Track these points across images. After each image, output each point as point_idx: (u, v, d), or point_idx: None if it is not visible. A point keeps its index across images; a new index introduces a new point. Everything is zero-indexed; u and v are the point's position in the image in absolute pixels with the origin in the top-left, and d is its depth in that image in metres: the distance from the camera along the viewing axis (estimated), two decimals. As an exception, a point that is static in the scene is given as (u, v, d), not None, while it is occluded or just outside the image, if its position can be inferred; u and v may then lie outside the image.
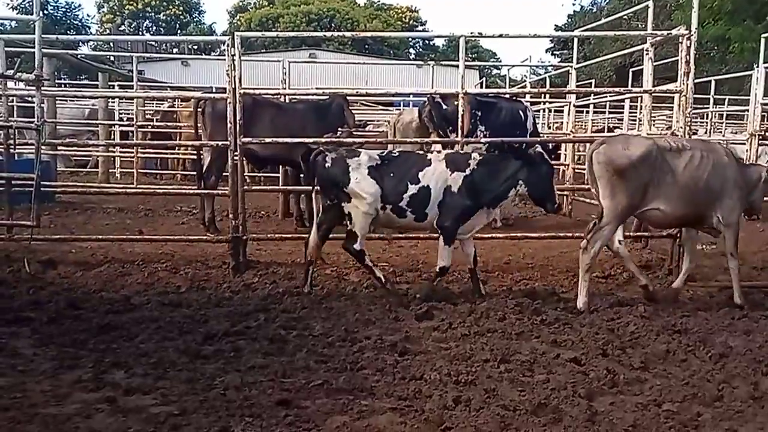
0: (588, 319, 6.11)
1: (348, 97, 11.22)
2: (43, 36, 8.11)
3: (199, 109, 10.08)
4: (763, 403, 4.40)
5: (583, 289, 6.48)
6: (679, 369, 4.99)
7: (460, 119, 8.31)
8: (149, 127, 17.26)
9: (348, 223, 6.72)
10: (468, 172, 6.65)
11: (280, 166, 11.81)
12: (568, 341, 5.50)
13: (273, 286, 7.16)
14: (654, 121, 16.08)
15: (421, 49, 64.61)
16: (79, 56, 18.50)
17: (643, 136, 7.47)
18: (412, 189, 6.58)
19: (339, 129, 10.83)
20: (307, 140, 7.96)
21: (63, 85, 23.25)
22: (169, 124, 16.84)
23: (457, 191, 6.61)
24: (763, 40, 11.29)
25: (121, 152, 17.42)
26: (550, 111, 19.32)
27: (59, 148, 15.12)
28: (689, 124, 7.92)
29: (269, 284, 7.24)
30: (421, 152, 7.33)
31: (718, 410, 4.31)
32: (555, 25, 51.35)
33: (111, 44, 33.42)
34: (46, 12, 47.90)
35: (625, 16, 18.72)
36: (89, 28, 58.25)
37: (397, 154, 6.98)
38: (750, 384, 4.69)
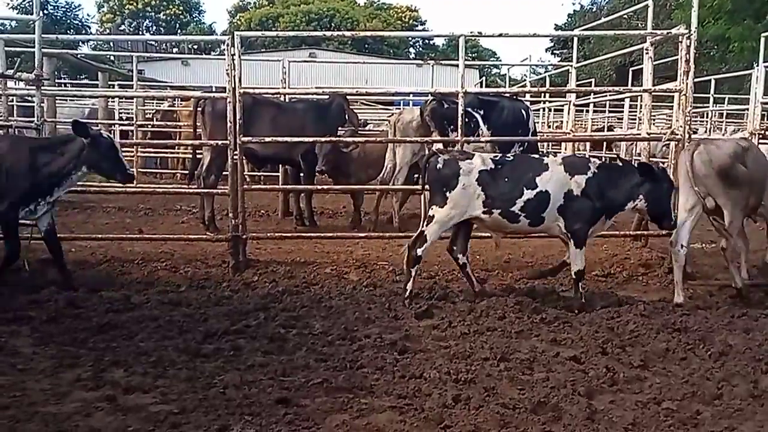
0: (588, 317, 6.12)
1: (348, 97, 11.21)
2: (43, 36, 8.12)
3: (199, 109, 10.08)
4: (762, 401, 4.41)
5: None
6: (679, 367, 5.00)
7: (460, 118, 8.31)
8: (149, 126, 17.27)
9: (425, 226, 6.58)
10: (590, 175, 6.46)
11: (280, 165, 11.82)
12: (567, 340, 5.50)
13: (273, 284, 7.16)
14: (654, 120, 16.09)
15: (420, 49, 64.60)
16: (79, 56, 18.51)
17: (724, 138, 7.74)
18: (528, 194, 6.39)
19: (341, 128, 10.86)
20: (306, 140, 7.97)
21: (63, 85, 23.23)
22: (168, 123, 16.84)
23: (580, 194, 6.42)
24: (762, 39, 11.27)
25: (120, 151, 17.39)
26: (549, 110, 19.31)
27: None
28: (689, 123, 7.92)
29: (269, 283, 7.24)
30: (537, 156, 7.20)
31: (717, 408, 4.31)
32: (555, 25, 51.33)
33: (111, 44, 33.44)
34: (46, 12, 47.87)
35: (625, 16, 18.70)
36: (89, 27, 58.25)
37: (512, 158, 6.81)
38: (749, 382, 4.69)
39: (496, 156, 6.85)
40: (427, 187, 6.75)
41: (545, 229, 6.65)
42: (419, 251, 6.53)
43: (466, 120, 8.71)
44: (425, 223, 6.58)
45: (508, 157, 6.83)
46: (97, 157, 6.76)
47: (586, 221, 6.48)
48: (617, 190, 6.49)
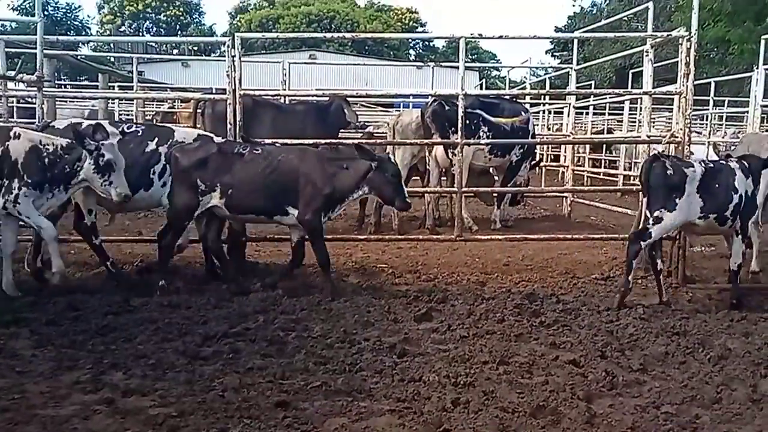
0: (587, 321, 6.11)
1: (348, 99, 11.21)
2: (44, 37, 8.12)
3: (199, 110, 10.08)
4: (761, 406, 4.40)
5: None
6: (678, 371, 4.99)
7: (460, 120, 8.31)
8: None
9: (650, 224, 6.69)
10: (751, 176, 6.81)
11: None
12: (566, 343, 5.50)
13: (271, 287, 7.14)
14: (654, 122, 16.10)
15: (421, 51, 64.67)
16: (79, 57, 18.48)
17: None
18: (735, 198, 6.67)
19: (343, 130, 10.85)
20: (306, 141, 7.96)
21: (63, 86, 23.24)
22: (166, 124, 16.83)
23: (750, 194, 6.78)
24: (763, 42, 11.30)
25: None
26: (549, 112, 19.34)
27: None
28: (689, 125, 7.92)
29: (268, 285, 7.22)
30: (725, 161, 7.25)
31: (716, 412, 4.31)
32: (555, 27, 51.39)
33: (111, 45, 33.42)
34: (46, 13, 47.90)
35: (625, 18, 18.74)
36: (89, 29, 58.31)
37: (712, 164, 6.98)
38: (749, 386, 4.69)
39: (702, 162, 7.07)
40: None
41: (727, 228, 6.85)
42: (642, 245, 6.69)
43: (467, 122, 8.73)
44: (651, 222, 6.68)
45: (709, 164, 7.00)
46: (381, 181, 6.82)
47: (750, 218, 6.85)
48: (758, 190, 6.90)
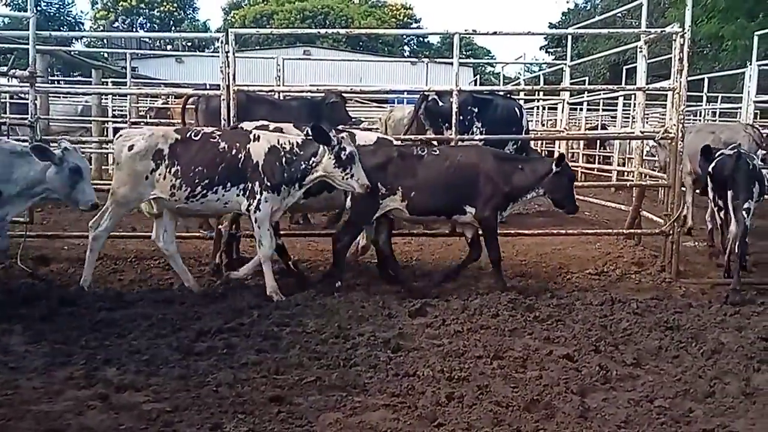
0: (581, 315, 6.13)
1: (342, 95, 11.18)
2: (36, 32, 8.08)
3: (193, 106, 10.04)
4: (754, 399, 4.43)
5: None
6: (672, 365, 5.02)
7: (454, 116, 8.31)
8: (143, 123, 17.21)
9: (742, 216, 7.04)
10: None
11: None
12: (560, 338, 5.51)
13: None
14: (647, 118, 16.12)
15: (415, 47, 64.61)
16: (72, 53, 18.42)
17: None
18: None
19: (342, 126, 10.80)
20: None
21: (56, 82, 23.14)
22: (162, 121, 16.78)
23: None
24: (756, 38, 11.33)
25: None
26: (543, 108, 19.34)
27: (52, 144, 15.03)
28: (682, 121, 7.94)
29: (262, 281, 7.21)
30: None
31: (709, 406, 4.33)
32: (549, 23, 51.41)
33: (104, 41, 33.34)
34: (39, 8, 47.68)
35: (619, 14, 18.78)
36: (83, 24, 58.09)
37: (753, 155, 7.44)
38: (742, 380, 4.72)
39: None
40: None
41: None
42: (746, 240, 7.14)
43: (461, 117, 8.72)
44: (742, 214, 7.00)
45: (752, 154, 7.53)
46: (558, 186, 6.93)
47: None
48: None
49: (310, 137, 6.55)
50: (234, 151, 6.53)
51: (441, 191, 6.88)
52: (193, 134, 6.64)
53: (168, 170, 6.48)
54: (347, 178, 6.44)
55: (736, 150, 7.35)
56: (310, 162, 6.52)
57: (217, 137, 6.64)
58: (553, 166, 6.89)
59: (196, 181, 6.48)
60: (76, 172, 6.09)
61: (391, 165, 6.85)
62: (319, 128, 6.47)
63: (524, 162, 7.15)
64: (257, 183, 6.48)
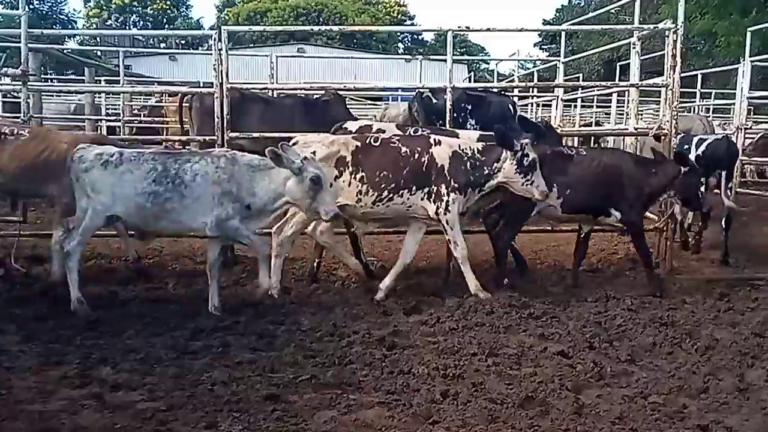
0: (575, 312, 6.14)
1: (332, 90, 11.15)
2: (28, 30, 8.05)
3: (186, 104, 10.01)
4: (748, 395, 4.45)
5: None
6: (666, 361, 5.03)
7: (448, 113, 8.30)
8: (136, 122, 17.16)
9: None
10: None
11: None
12: (555, 334, 5.52)
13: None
14: (641, 115, 16.15)
15: (409, 44, 64.54)
16: (65, 51, 18.33)
17: None
18: None
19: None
20: (294, 135, 7.92)
21: (49, 80, 23.05)
22: (156, 119, 16.74)
23: None
24: (749, 34, 11.34)
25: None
26: (537, 105, 19.32)
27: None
28: (676, 117, 7.95)
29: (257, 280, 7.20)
30: None
31: (704, 402, 4.35)
32: (543, 20, 51.33)
33: (97, 39, 33.15)
34: (31, 6, 47.46)
35: (613, 10, 18.73)
36: (75, 22, 57.84)
37: None
38: (736, 376, 4.74)
39: None
40: None
41: None
42: None
43: (455, 114, 8.71)
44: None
45: None
46: (686, 188, 6.92)
47: None
48: None
49: (491, 143, 6.55)
50: (417, 155, 6.54)
51: (591, 191, 6.94)
52: (372, 140, 6.64)
53: (353, 176, 6.50)
54: (527, 185, 6.45)
55: (724, 136, 7.43)
56: (493, 167, 6.51)
57: (397, 142, 6.64)
58: (681, 169, 6.88)
59: (383, 185, 6.49)
60: (316, 183, 5.86)
61: (547, 164, 6.79)
62: (503, 133, 6.47)
63: (656, 165, 7.12)
64: (443, 186, 6.49)
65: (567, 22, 20.85)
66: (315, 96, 10.59)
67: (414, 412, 4.07)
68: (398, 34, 63.39)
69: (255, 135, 8.68)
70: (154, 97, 18.72)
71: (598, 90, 16.65)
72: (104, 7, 61.28)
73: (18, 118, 8.29)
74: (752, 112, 17.05)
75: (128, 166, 5.93)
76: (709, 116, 18.56)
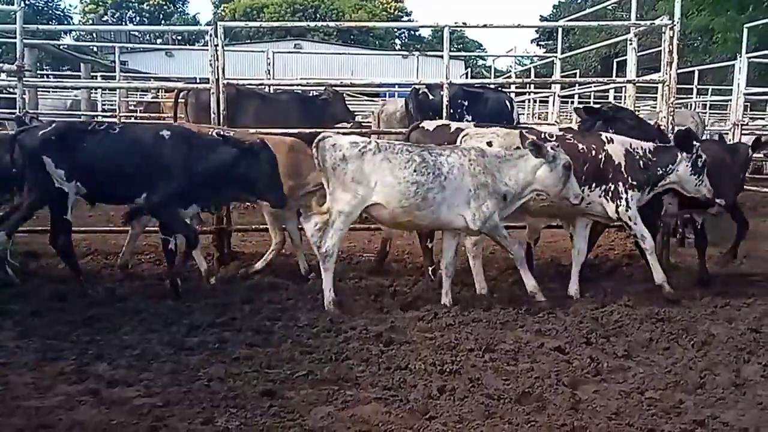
0: (572, 308, 6.14)
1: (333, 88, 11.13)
2: (24, 26, 8.02)
3: (182, 100, 9.98)
4: (744, 390, 4.45)
5: None
6: (662, 357, 5.04)
7: (445, 109, 8.30)
8: (132, 118, 17.13)
9: None
10: None
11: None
12: (552, 330, 5.53)
13: (258, 277, 7.13)
14: (638, 111, 16.14)
15: (406, 40, 64.49)
16: (61, 47, 18.29)
17: None
18: None
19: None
20: (291, 131, 7.92)
21: (45, 76, 23.00)
22: (152, 115, 16.71)
23: None
24: (745, 31, 11.35)
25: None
26: (534, 101, 19.32)
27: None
28: (672, 114, 7.96)
29: (254, 275, 7.20)
30: None
31: (700, 397, 4.35)
32: (540, 16, 51.38)
33: (93, 34, 33.10)
34: (27, 2, 47.26)
35: (610, 7, 18.73)
36: (71, 18, 57.66)
37: None
38: (732, 371, 4.75)
39: None
40: None
41: None
42: None
43: (451, 111, 8.71)
44: None
45: None
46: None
47: None
48: None
49: (664, 144, 6.58)
50: (594, 153, 6.54)
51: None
52: (547, 135, 6.61)
53: None
54: (698, 185, 6.48)
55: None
56: (666, 168, 6.52)
57: (572, 138, 6.64)
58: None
59: None
60: (568, 168, 5.97)
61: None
62: (685, 136, 6.48)
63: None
64: (620, 183, 6.50)
65: (564, 18, 20.85)
66: (312, 93, 10.59)
67: (411, 407, 4.07)
68: (395, 30, 63.45)
69: (251, 131, 8.67)
70: (151, 93, 18.71)
71: (595, 86, 16.63)
72: (100, 3, 61.08)
73: (13, 113, 8.25)
74: (749, 109, 17.06)
75: (385, 154, 5.92)
76: (705, 112, 18.62)
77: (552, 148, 5.95)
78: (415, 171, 5.87)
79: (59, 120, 6.35)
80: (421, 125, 7.34)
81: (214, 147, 6.32)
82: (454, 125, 7.30)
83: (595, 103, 20.47)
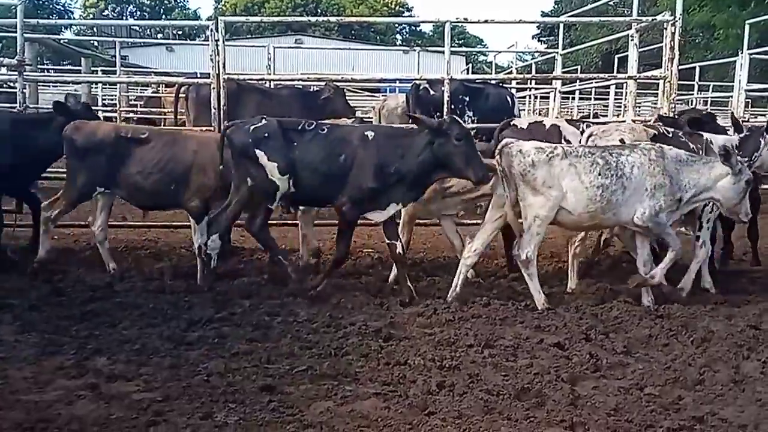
0: (572, 304, 6.14)
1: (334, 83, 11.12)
2: (24, 20, 8.01)
3: (183, 95, 9.98)
4: (743, 387, 4.45)
5: None
6: (662, 353, 5.03)
7: (446, 105, 8.29)
8: (133, 113, 17.12)
9: None
10: None
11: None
12: (551, 326, 5.52)
13: (257, 272, 7.13)
14: (639, 107, 16.14)
15: (407, 35, 64.43)
16: (61, 41, 18.26)
17: None
18: None
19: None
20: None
21: (46, 71, 22.98)
22: (153, 110, 16.70)
23: None
24: (747, 27, 11.33)
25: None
26: (536, 97, 19.32)
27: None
28: (673, 110, 7.95)
29: (254, 271, 7.21)
30: None
31: (699, 394, 4.35)
32: (541, 11, 51.25)
33: (94, 29, 33.05)
34: (27, -4, 47.23)
35: (611, 2, 18.74)
36: (72, 12, 57.64)
37: None
38: (731, 368, 4.74)
39: None
40: None
41: None
42: None
43: (452, 106, 8.70)
44: None
45: None
46: None
47: None
48: None
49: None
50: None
51: None
52: (665, 131, 6.60)
53: None
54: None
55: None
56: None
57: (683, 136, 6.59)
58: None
59: None
60: (749, 184, 5.88)
61: None
62: (728, 151, 6.28)
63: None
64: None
65: (565, 14, 20.81)
66: (313, 88, 10.58)
67: (410, 403, 4.08)
68: (396, 25, 63.38)
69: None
70: (151, 88, 18.67)
71: (596, 82, 16.67)
72: (101, -2, 61.07)
73: (14, 108, 8.25)
74: (750, 105, 17.06)
75: (571, 159, 5.89)
76: (706, 109, 18.59)
77: (741, 161, 5.86)
78: (599, 174, 5.85)
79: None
80: (512, 123, 7.27)
81: (410, 138, 6.27)
82: (548, 122, 7.23)
83: (595, 99, 20.53)
